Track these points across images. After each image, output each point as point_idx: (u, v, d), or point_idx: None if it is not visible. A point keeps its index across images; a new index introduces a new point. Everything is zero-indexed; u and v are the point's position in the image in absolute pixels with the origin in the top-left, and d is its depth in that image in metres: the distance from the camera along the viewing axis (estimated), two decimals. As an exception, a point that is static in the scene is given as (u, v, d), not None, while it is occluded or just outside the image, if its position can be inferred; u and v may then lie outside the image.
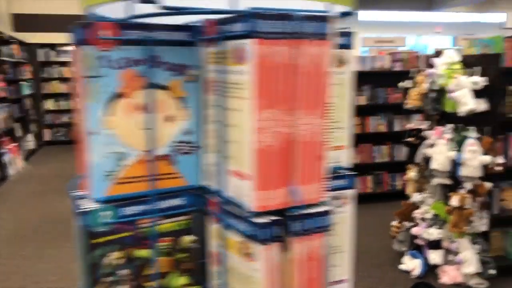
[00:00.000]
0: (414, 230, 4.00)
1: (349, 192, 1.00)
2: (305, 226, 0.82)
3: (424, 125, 4.03)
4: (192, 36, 0.88)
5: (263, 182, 0.78)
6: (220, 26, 0.80)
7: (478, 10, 17.30)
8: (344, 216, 0.98)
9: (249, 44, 0.74)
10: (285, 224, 0.81)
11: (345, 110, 0.97)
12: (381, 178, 6.08)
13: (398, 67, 5.90)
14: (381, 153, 6.06)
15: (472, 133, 3.54)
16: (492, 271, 3.52)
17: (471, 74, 3.58)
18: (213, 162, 0.90)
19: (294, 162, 0.79)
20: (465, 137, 3.55)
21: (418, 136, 3.96)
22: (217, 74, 0.83)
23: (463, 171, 3.49)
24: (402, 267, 3.98)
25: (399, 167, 5.60)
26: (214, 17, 0.81)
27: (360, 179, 6.03)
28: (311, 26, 0.75)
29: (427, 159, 3.83)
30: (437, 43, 17.95)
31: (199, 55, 0.91)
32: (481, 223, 3.62)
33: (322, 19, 0.76)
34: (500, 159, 3.50)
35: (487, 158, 3.43)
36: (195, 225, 0.93)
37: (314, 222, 0.83)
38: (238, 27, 0.76)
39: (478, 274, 3.54)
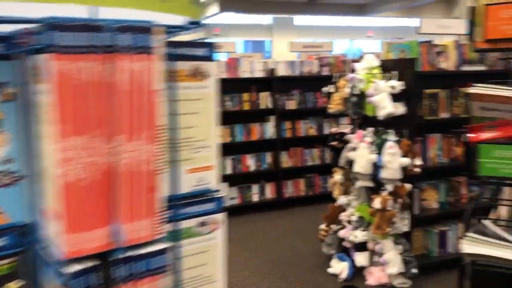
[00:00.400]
0: (341, 233, 4.04)
1: (219, 216, 0.92)
2: (133, 270, 0.72)
3: (346, 129, 4.09)
4: (7, 48, 0.77)
5: (74, 222, 0.68)
6: (31, 36, 0.69)
7: (407, 15, 18.09)
8: (214, 243, 0.90)
9: (44, 60, 0.64)
10: (107, 270, 0.71)
11: (210, 127, 0.89)
12: (313, 181, 6.14)
13: (326, 72, 5.99)
14: (312, 156, 6.13)
15: (391, 136, 3.61)
16: (415, 270, 3.61)
17: (389, 79, 3.66)
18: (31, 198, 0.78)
19: (116, 196, 0.70)
20: (385, 140, 3.62)
21: (341, 139, 4.00)
22: (30, 93, 0.72)
23: (383, 174, 3.56)
24: (330, 270, 4.00)
25: (330, 170, 5.68)
26: (30, 27, 0.70)
27: (293, 182, 6.06)
28: (128, 38, 0.66)
29: (350, 162, 3.88)
30: (369, 47, 18.61)
31: (17, 70, 0.78)
32: (403, 224, 3.71)
33: (142, 30, 0.67)
34: (418, 161, 3.61)
35: (406, 160, 3.52)
36: (22, 269, 0.81)
37: (146, 264, 0.74)
38: (37, 40, 0.65)
39: (401, 274, 3.62)
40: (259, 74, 5.75)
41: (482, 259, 1.21)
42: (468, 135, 1.28)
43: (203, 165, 0.87)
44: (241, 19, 20.31)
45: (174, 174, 0.82)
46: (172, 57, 0.79)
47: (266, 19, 20.77)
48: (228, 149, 5.76)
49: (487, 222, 1.33)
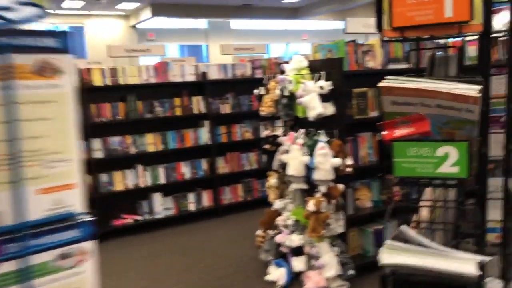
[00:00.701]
0: (278, 238, 3.95)
1: (86, 245, 0.75)
2: None
3: (279, 131, 4.01)
4: None
5: None
6: None
7: (340, 17, 18.57)
8: (82, 279, 0.74)
9: None
10: None
11: (67, 137, 0.72)
12: (251, 186, 6.03)
13: (259, 74, 5.92)
14: (250, 161, 6.02)
15: (322, 137, 3.57)
16: (352, 272, 3.58)
17: (318, 79, 3.62)
18: None
19: None
20: (316, 141, 3.56)
21: (274, 142, 3.92)
22: None
23: (316, 175, 3.50)
24: (268, 277, 3.90)
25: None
26: None
27: (231, 188, 5.93)
28: None
29: (284, 165, 3.80)
30: (305, 50, 18.91)
31: None
32: (338, 225, 3.67)
33: None
34: (350, 160, 3.58)
35: (337, 161, 3.48)
36: None
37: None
38: None
39: (339, 276, 3.57)
40: (190, 78, 5.57)
41: (401, 268, 1.14)
42: (382, 132, 1.20)
43: (60, 184, 0.70)
44: (176, 23, 20.00)
45: (18, 196, 0.64)
46: (9, 49, 0.62)
47: (201, 23, 20.58)
48: (160, 157, 5.53)
49: (404, 227, 1.25)
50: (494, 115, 1.46)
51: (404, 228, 1.24)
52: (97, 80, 5.09)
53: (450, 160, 1.13)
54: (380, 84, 1.23)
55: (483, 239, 1.33)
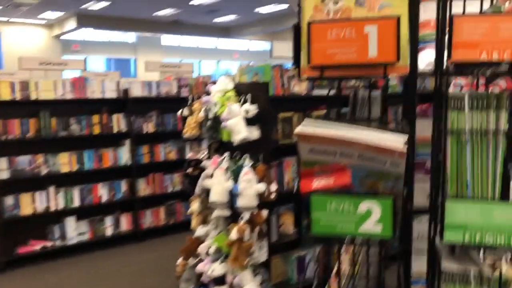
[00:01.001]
0: (199, 267, 3.75)
1: None
2: None
3: (203, 154, 3.85)
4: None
5: None
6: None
7: (273, 39, 18.89)
8: None
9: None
10: None
11: None
12: (173, 209, 5.79)
13: (185, 93, 5.74)
14: (173, 182, 5.79)
15: (247, 162, 3.46)
16: (274, 301, 3.46)
17: (243, 102, 3.52)
18: None
19: None
20: (241, 166, 3.45)
21: (198, 166, 3.75)
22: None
23: (240, 202, 3.37)
24: (188, 309, 3.68)
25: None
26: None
27: (152, 211, 5.64)
28: None
29: (207, 191, 3.63)
30: (236, 68, 19.03)
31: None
32: (262, 253, 3.55)
33: None
34: (274, 186, 3.50)
35: (262, 187, 3.38)
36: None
37: None
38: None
39: (261, 306, 3.44)
40: (111, 94, 5.26)
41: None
42: (300, 183, 1.10)
43: None
44: (103, 36, 19.31)
45: None
46: None
47: (130, 37, 20.04)
48: (75, 178, 5.15)
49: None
50: (418, 161, 1.42)
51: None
52: (5, 94, 4.65)
53: (373, 217, 1.05)
54: (297, 131, 1.12)
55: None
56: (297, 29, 1.30)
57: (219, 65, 22.21)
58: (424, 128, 1.37)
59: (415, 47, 1.20)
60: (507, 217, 0.99)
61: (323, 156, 1.10)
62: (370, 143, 1.00)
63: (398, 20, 1.18)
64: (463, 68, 1.11)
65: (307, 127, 1.09)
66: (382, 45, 1.18)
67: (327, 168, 1.10)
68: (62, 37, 17.93)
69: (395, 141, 0.99)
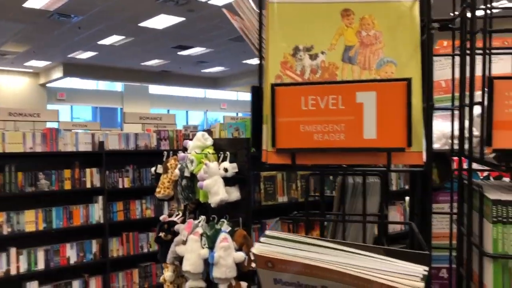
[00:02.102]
0: None
1: None
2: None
3: (177, 216, 3.51)
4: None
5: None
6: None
7: (256, 90, 18.93)
8: None
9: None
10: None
11: None
12: (149, 271, 5.34)
13: (165, 146, 5.46)
14: (149, 242, 5.37)
15: (224, 226, 3.12)
16: None
17: (222, 160, 3.23)
18: None
19: None
20: (218, 231, 3.11)
21: (171, 230, 3.39)
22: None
23: (215, 273, 3.00)
24: None
25: (167, 258, 5.00)
26: None
27: (125, 274, 5.18)
28: None
29: (181, 258, 3.26)
30: (222, 119, 18.92)
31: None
32: (240, 330, 3.14)
33: None
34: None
35: (241, 255, 3.03)
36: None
37: None
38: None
39: None
40: (85, 147, 4.95)
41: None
42: None
43: None
44: (90, 84, 19.18)
45: None
46: None
47: (117, 86, 19.95)
48: (41, 238, 4.72)
49: None
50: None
51: None
52: (-33, 146, 4.31)
53: None
54: (255, 250, 0.78)
55: None
56: (257, 94, 0.92)
57: (206, 115, 22.12)
58: (434, 221, 1.07)
59: (430, 125, 0.85)
60: None
61: None
62: (372, 280, 0.67)
63: (409, 83, 0.79)
64: (507, 158, 0.78)
65: (269, 244, 0.76)
66: (385, 121, 0.79)
67: None
68: (48, 85, 17.77)
69: (410, 273, 0.66)
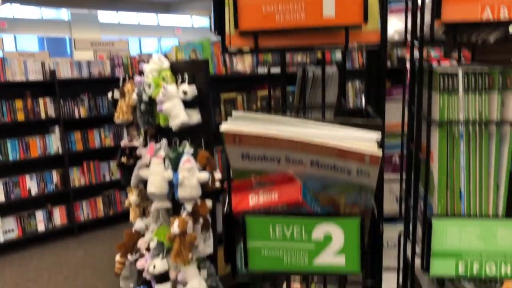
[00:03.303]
0: (139, 264, 3.44)
1: None
2: None
3: (138, 142, 3.50)
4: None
5: None
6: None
7: (210, 14, 18.32)
8: None
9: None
10: None
11: None
12: (112, 199, 5.39)
13: (120, 73, 5.30)
14: (111, 170, 5.38)
15: (187, 149, 3.15)
16: (222, 295, 3.24)
17: (181, 82, 3.19)
18: None
19: None
20: (181, 154, 3.14)
21: (132, 155, 3.40)
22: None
23: (180, 193, 3.08)
24: (129, 310, 3.38)
25: (131, 184, 5.04)
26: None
27: (88, 202, 5.22)
28: None
29: (144, 181, 3.31)
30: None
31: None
32: (207, 245, 3.30)
33: None
34: (218, 174, 3.22)
35: (205, 175, 3.10)
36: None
37: None
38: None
39: (208, 302, 3.21)
40: (35, 77, 4.74)
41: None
42: (232, 201, 0.82)
43: None
44: (34, 13, 17.93)
45: None
46: None
47: (64, 14, 18.76)
48: (-2, 171, 4.64)
49: None
50: (389, 154, 1.17)
51: None
52: None
53: (333, 245, 0.78)
54: (223, 129, 0.83)
55: None
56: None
57: (161, 42, 21.36)
58: (389, 113, 1.12)
59: (385, 5, 0.88)
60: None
61: (262, 163, 0.82)
62: (329, 145, 0.72)
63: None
64: (457, 32, 0.83)
65: (236, 123, 0.81)
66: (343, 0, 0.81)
67: (267, 180, 0.82)
68: (-14, 14, 16.47)
69: (364, 139, 0.72)
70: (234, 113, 0.84)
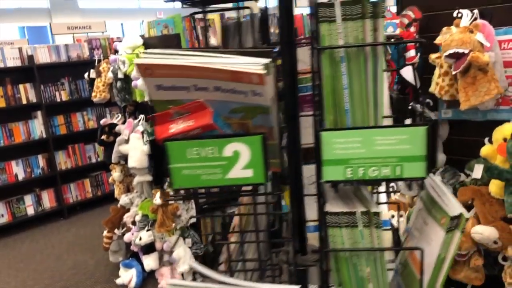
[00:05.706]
0: (126, 237, 3.57)
1: None
2: None
3: (117, 119, 3.59)
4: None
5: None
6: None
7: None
8: None
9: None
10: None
11: None
12: (100, 180, 5.49)
13: (98, 56, 5.32)
14: (97, 152, 5.46)
15: (164, 122, 3.24)
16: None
17: (154, 58, 3.26)
18: None
19: None
20: (158, 127, 3.23)
21: (112, 132, 3.49)
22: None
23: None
24: (119, 281, 3.52)
25: (116, 165, 5.13)
26: None
27: (76, 185, 5.31)
28: None
29: (125, 157, 3.40)
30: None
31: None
32: (190, 215, 3.42)
33: None
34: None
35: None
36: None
37: None
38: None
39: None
40: (13, 63, 4.77)
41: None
42: (155, 130, 0.93)
43: None
44: (13, 3, 17.66)
45: None
46: None
47: (43, 2, 18.49)
48: (-16, 158, 4.70)
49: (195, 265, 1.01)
50: (304, 94, 1.27)
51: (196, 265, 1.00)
52: None
53: (241, 161, 0.90)
54: (136, 61, 0.92)
55: (304, 247, 1.15)
56: None
57: (143, 26, 21.19)
58: (308, 58, 1.22)
59: None
60: (391, 145, 0.88)
61: (174, 93, 0.92)
62: (223, 68, 0.83)
63: None
64: None
65: (149, 57, 0.90)
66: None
67: (184, 108, 0.93)
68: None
69: (252, 63, 0.83)
70: (149, 50, 0.94)
